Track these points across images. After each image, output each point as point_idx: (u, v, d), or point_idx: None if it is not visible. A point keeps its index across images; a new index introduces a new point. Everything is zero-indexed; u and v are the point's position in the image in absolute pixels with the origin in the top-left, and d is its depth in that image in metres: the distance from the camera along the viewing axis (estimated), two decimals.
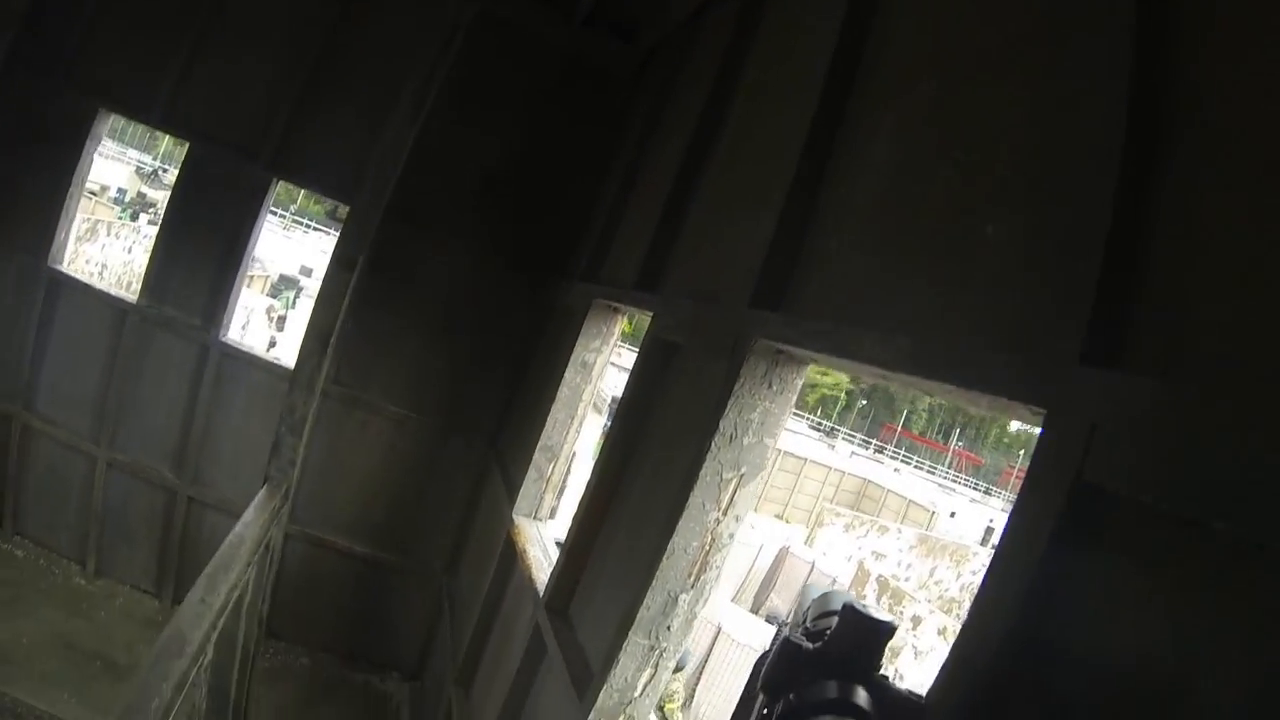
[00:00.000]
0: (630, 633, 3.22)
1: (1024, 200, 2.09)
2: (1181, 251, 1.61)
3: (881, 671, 1.35)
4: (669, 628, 3.26)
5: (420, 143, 7.31)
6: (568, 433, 6.04)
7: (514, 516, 5.92)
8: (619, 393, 4.78)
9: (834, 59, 3.25)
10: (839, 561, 21.35)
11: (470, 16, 6.34)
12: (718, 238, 4.24)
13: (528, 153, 7.84)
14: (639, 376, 4.17)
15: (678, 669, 3.39)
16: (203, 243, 7.73)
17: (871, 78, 3.12)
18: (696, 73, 5.60)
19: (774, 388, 3.05)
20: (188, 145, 7.91)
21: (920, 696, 1.31)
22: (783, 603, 17.99)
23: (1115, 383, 1.55)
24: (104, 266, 24.47)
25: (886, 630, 1.33)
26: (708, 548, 3.18)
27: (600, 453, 4.28)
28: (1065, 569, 1.55)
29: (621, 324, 6.00)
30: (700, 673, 14.54)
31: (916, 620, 16.17)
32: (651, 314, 4.39)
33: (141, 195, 39.81)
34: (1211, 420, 1.33)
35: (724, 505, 3.13)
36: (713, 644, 14.45)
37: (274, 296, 31.29)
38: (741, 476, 3.11)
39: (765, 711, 1.41)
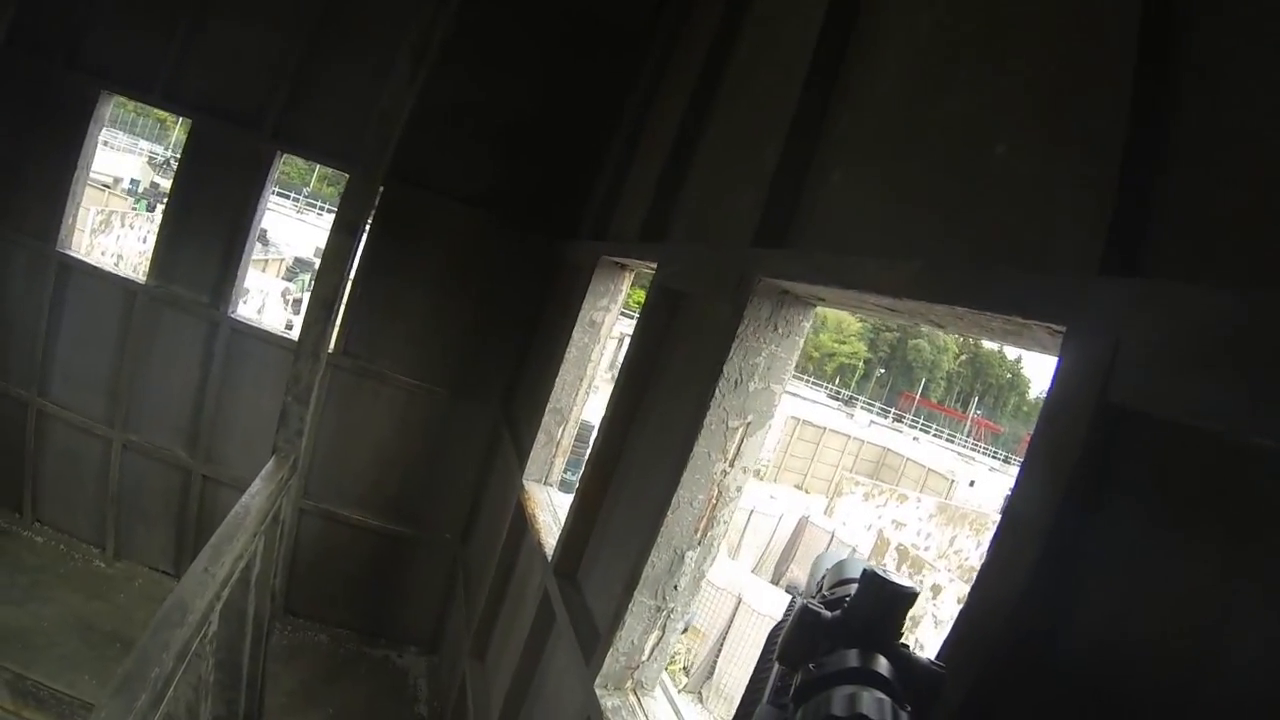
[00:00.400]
0: (636, 593, 3.12)
1: (1036, 115, 1.97)
2: (1208, 147, 1.48)
3: (903, 640, 1.27)
4: (676, 587, 3.16)
5: (424, 104, 7.20)
6: (577, 394, 5.94)
7: (524, 481, 5.85)
8: None
9: None
10: (858, 531, 21.30)
11: None
12: (721, 182, 4.12)
13: (536, 112, 7.73)
14: (644, 329, 4.06)
15: (684, 630, 3.31)
16: (209, 220, 7.71)
17: (878, 4, 2.97)
18: (701, 22, 5.46)
19: (780, 330, 2.93)
20: (190, 123, 7.85)
21: (942, 666, 1.22)
22: (803, 573, 17.92)
23: (1140, 292, 1.42)
24: (119, 257, 24.68)
25: (909, 597, 1.24)
26: (714, 501, 3.07)
27: (606, 409, 4.19)
28: (1090, 506, 1.42)
29: (629, 281, 5.89)
30: (721, 644, 14.53)
31: (936, 589, 16.10)
32: (656, 264, 4.28)
33: (155, 185, 39.98)
34: (1249, 327, 1.20)
35: (730, 455, 3.02)
36: (733, 615, 14.42)
37: (289, 280, 31.50)
38: (748, 425, 3.00)
39: (781, 683, 1.33)
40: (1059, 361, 1.56)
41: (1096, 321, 1.47)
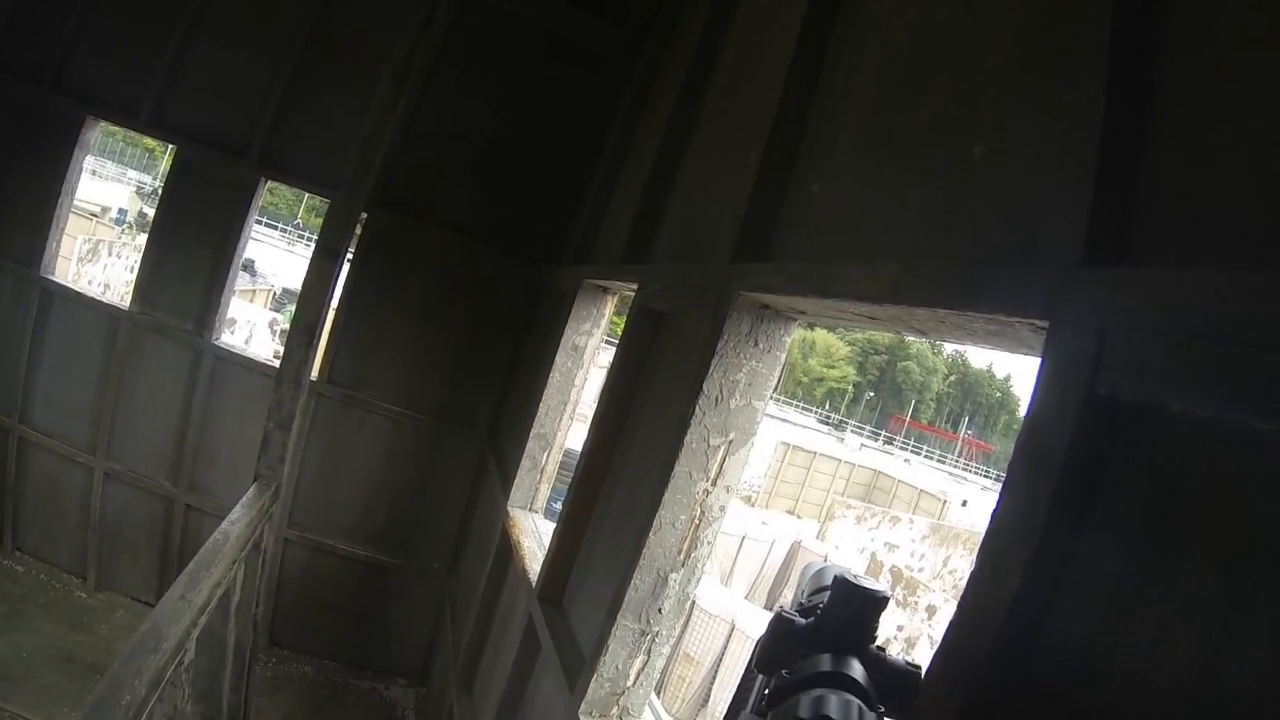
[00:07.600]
0: (619, 616, 3.06)
1: (1012, 106, 1.94)
2: (1198, 122, 1.42)
3: (877, 643, 1.28)
4: (660, 610, 3.10)
5: (409, 131, 7.27)
6: (561, 420, 5.90)
7: (509, 509, 5.78)
8: None
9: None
10: (852, 554, 21.21)
11: None
12: (702, 202, 4.10)
13: (519, 138, 7.76)
14: (625, 351, 4.02)
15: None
16: (193, 247, 7.67)
17: (854, 13, 2.97)
18: (681, 45, 5.48)
19: (760, 346, 2.90)
20: (176, 149, 7.85)
21: (918, 667, 1.22)
22: None
23: (1122, 280, 1.38)
24: (106, 286, 24.56)
25: (879, 600, 1.29)
26: (697, 521, 3.02)
27: (589, 433, 4.15)
28: (1080, 506, 1.36)
29: (612, 306, 5.87)
30: (715, 672, 14.38)
31: (932, 610, 15.99)
32: (637, 285, 4.26)
33: (143, 215, 39.91)
34: (1239, 308, 1.16)
35: (713, 474, 2.97)
36: (727, 642, 14.30)
37: (277, 310, 31.37)
38: (730, 443, 2.96)
39: (766, 692, 1.33)
40: (1042, 361, 1.51)
41: (1080, 314, 1.43)
